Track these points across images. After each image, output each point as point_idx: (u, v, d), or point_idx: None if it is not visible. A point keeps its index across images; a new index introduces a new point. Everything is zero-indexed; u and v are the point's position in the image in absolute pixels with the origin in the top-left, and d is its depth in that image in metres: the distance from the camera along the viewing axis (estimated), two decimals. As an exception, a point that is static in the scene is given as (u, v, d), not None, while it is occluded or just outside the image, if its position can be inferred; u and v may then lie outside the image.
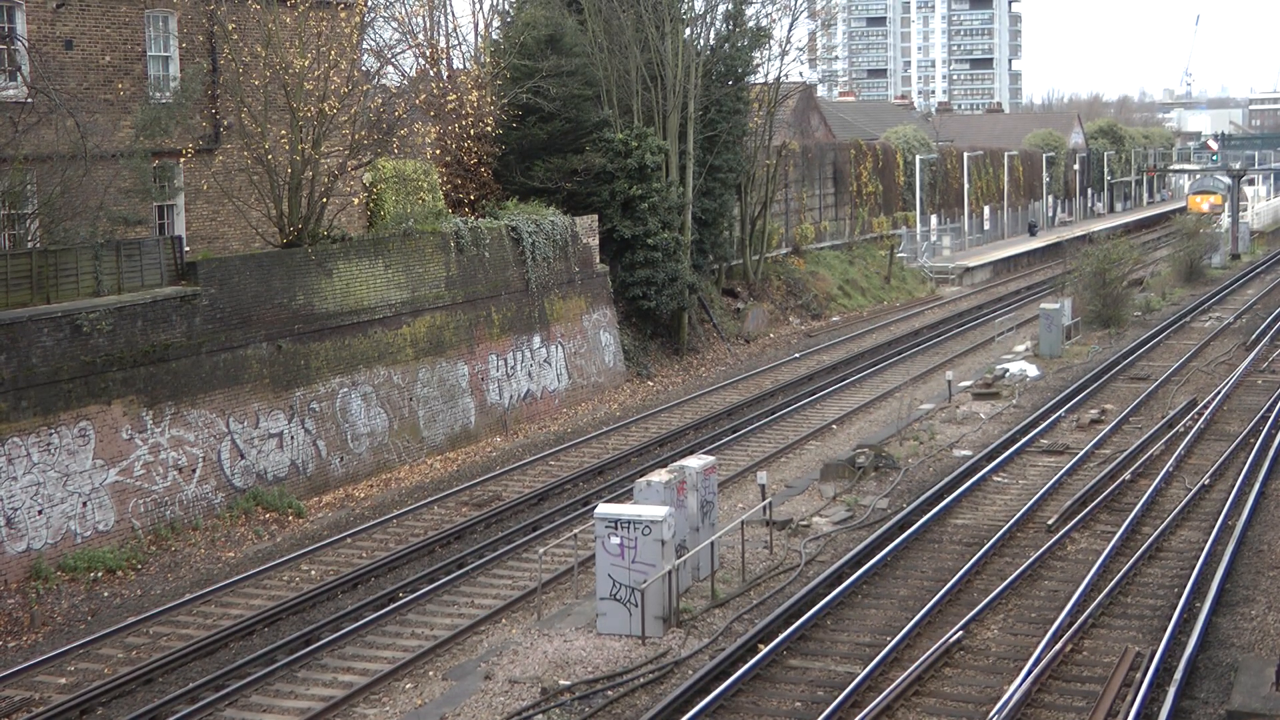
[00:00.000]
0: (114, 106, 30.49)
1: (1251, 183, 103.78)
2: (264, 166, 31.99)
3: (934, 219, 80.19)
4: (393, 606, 23.51)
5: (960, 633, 20.82)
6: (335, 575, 25.37)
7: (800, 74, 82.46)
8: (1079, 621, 21.13)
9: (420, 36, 45.85)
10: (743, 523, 24.90)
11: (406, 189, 37.73)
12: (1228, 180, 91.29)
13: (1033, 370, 43.45)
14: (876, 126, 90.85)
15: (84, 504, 25.84)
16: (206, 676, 20.54)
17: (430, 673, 20.84)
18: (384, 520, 28.88)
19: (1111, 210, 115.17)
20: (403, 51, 45.77)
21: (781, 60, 57.86)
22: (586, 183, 43.75)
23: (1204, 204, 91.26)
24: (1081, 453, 32.06)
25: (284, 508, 29.52)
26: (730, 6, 52.79)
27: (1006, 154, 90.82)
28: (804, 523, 27.43)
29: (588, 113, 44.40)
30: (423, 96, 41.27)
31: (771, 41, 55.87)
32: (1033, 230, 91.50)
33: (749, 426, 37.43)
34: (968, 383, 42.23)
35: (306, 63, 31.88)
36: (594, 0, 47.46)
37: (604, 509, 21.95)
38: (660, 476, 23.20)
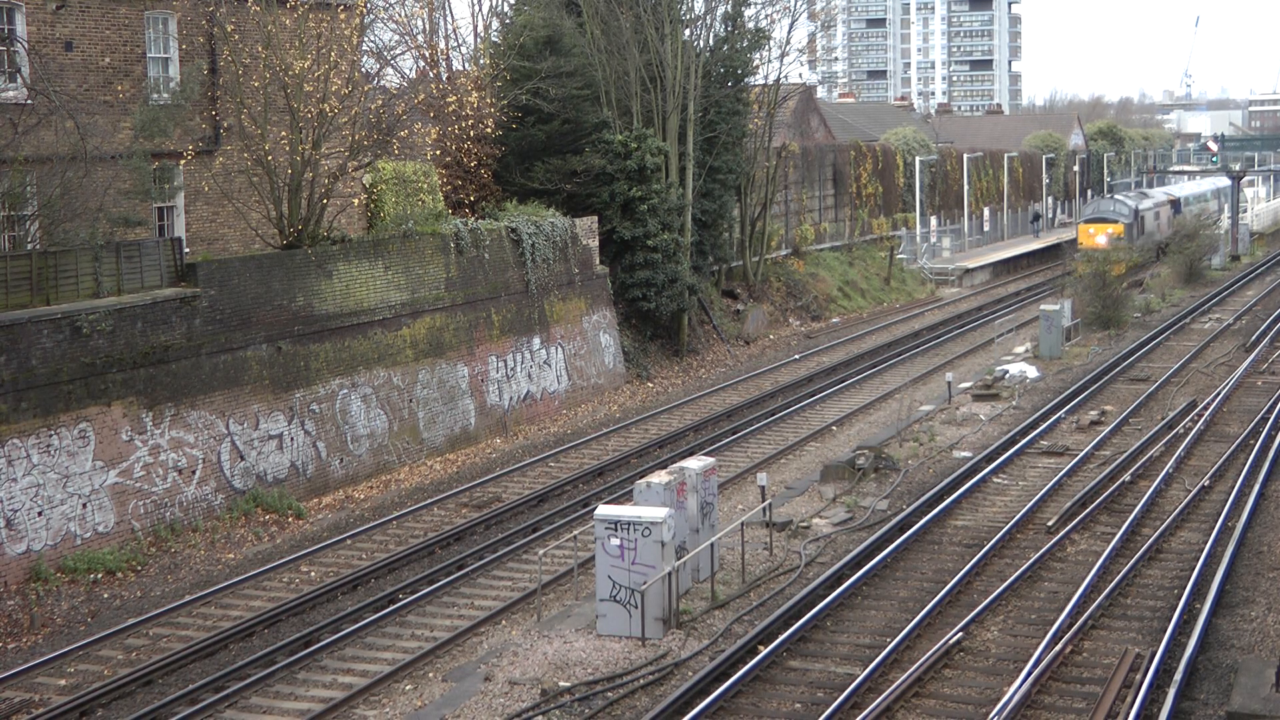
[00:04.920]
0: (114, 108, 30.50)
1: (1252, 184, 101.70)
2: (264, 168, 32.00)
3: (934, 220, 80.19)
4: (392, 608, 23.52)
5: (960, 634, 20.82)
6: (335, 577, 25.37)
7: (800, 75, 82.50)
8: (1079, 623, 21.13)
9: (420, 38, 45.89)
10: (742, 524, 24.90)
11: (406, 190, 37.75)
12: (1132, 204, 75.29)
13: (1033, 371, 43.46)
14: (876, 128, 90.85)
15: (84, 505, 25.84)
16: (206, 678, 20.55)
17: (430, 674, 20.84)
18: (384, 522, 28.88)
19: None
20: (402, 53, 45.85)
21: (781, 61, 57.97)
22: (586, 184, 43.76)
23: (1099, 236, 72.27)
24: (1081, 454, 32.06)
25: (284, 509, 29.52)
26: (729, 8, 52.80)
27: (1006, 155, 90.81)
28: (804, 524, 27.43)
29: (587, 114, 44.41)
30: (421, 96, 41.28)
31: (771, 43, 55.94)
32: (1036, 218, 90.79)
33: (749, 428, 37.43)
34: (968, 384, 42.23)
35: (306, 64, 31.88)
36: (593, 1, 47.47)
37: (604, 510, 21.94)
38: (660, 478, 23.20)
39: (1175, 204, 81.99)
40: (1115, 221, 72.70)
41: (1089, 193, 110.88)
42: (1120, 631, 21.26)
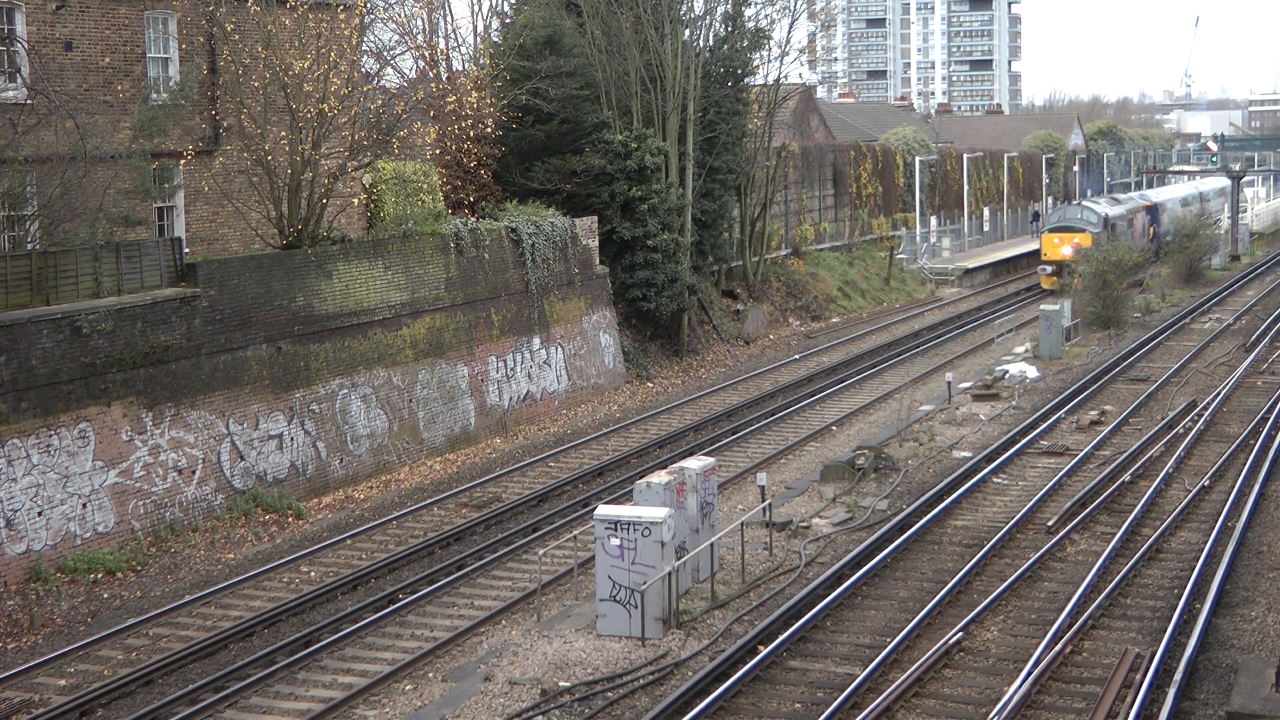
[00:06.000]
0: (113, 108, 30.50)
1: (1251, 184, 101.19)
2: (264, 168, 32.00)
3: (934, 220, 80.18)
4: (392, 608, 23.52)
5: (960, 634, 20.82)
6: (335, 577, 25.37)
7: (800, 75, 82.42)
8: (1079, 623, 21.13)
9: (420, 38, 45.88)
10: (742, 524, 24.90)
11: (406, 190, 37.75)
12: (1102, 211, 67.64)
13: (1033, 371, 43.46)
14: (876, 128, 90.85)
15: (84, 505, 25.83)
16: (206, 678, 20.55)
17: (430, 674, 20.84)
18: (384, 522, 28.88)
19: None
20: (402, 53, 45.83)
21: (781, 61, 57.93)
22: (586, 184, 43.75)
23: (1064, 247, 64.71)
24: (1081, 454, 32.06)
25: (284, 509, 29.52)
26: (729, 8, 52.80)
27: (1006, 155, 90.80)
28: (804, 524, 27.43)
29: (587, 114, 44.41)
30: (421, 95, 41.28)
31: (771, 43, 55.92)
32: (1036, 218, 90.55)
33: (749, 428, 37.43)
34: (967, 384, 42.23)
35: (306, 64, 31.87)
36: (593, 1, 47.48)
37: (604, 510, 21.94)
38: (660, 478, 23.20)
39: (1152, 210, 75.49)
40: (1082, 231, 65.48)
41: (1089, 192, 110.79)
42: (1120, 631, 21.26)
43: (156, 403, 27.63)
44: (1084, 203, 71.25)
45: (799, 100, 78.59)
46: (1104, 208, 68.85)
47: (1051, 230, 67.61)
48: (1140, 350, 47.43)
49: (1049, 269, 65.66)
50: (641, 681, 19.79)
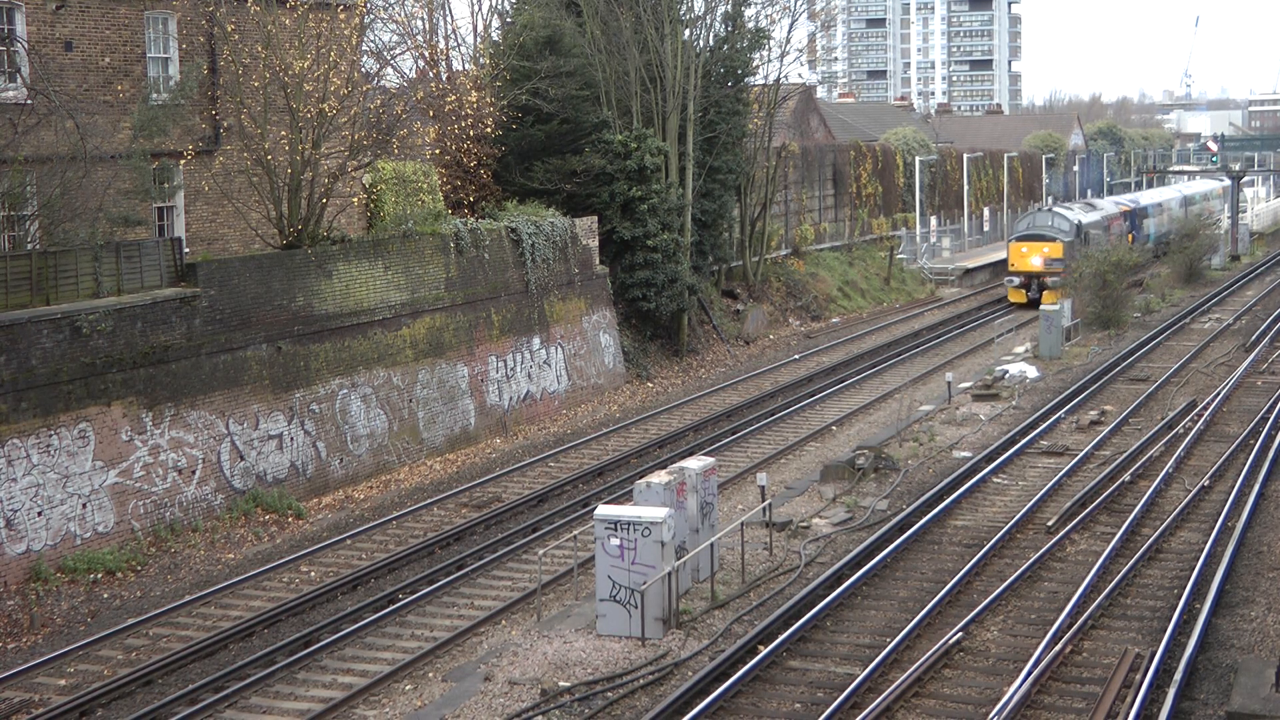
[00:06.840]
0: (113, 108, 30.50)
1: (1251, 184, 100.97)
2: (264, 168, 32.00)
3: (934, 220, 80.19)
4: (392, 608, 23.52)
5: (960, 634, 20.82)
6: (335, 577, 25.37)
7: (800, 75, 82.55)
8: (1079, 623, 21.14)
9: (420, 38, 45.88)
10: (742, 524, 24.90)
11: (406, 190, 37.74)
12: (1074, 217, 62.43)
13: (1032, 371, 43.47)
14: (876, 128, 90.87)
15: (84, 505, 25.83)
16: (206, 678, 20.55)
17: (430, 674, 20.85)
18: (384, 522, 28.88)
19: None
20: (402, 53, 45.84)
21: (781, 61, 57.94)
22: (586, 184, 43.75)
23: (1033, 257, 59.97)
24: (1081, 454, 32.06)
25: (284, 509, 29.52)
26: (729, 8, 52.80)
27: (1006, 155, 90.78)
28: (804, 524, 27.43)
29: (587, 114, 44.42)
30: (420, 95, 41.28)
31: (771, 43, 55.92)
32: None
33: (749, 428, 37.43)
34: (967, 384, 42.23)
35: (306, 64, 31.87)
36: (593, 1, 47.48)
37: (604, 510, 21.94)
38: (660, 478, 23.20)
39: (1131, 216, 70.90)
40: (1052, 239, 60.17)
41: (1089, 192, 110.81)
42: (1120, 631, 21.27)
43: (156, 403, 27.63)
44: (1055, 208, 66.30)
45: (799, 100, 78.62)
46: (1077, 214, 64.12)
47: (1019, 239, 61.68)
48: (1140, 350, 47.43)
49: (1016, 280, 61.04)
50: (641, 681, 19.79)
